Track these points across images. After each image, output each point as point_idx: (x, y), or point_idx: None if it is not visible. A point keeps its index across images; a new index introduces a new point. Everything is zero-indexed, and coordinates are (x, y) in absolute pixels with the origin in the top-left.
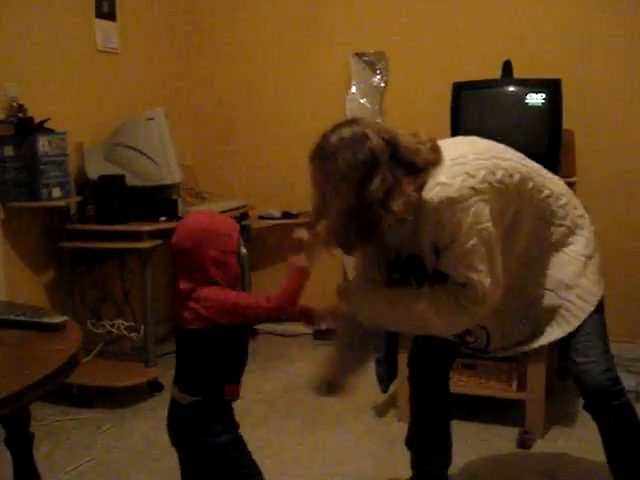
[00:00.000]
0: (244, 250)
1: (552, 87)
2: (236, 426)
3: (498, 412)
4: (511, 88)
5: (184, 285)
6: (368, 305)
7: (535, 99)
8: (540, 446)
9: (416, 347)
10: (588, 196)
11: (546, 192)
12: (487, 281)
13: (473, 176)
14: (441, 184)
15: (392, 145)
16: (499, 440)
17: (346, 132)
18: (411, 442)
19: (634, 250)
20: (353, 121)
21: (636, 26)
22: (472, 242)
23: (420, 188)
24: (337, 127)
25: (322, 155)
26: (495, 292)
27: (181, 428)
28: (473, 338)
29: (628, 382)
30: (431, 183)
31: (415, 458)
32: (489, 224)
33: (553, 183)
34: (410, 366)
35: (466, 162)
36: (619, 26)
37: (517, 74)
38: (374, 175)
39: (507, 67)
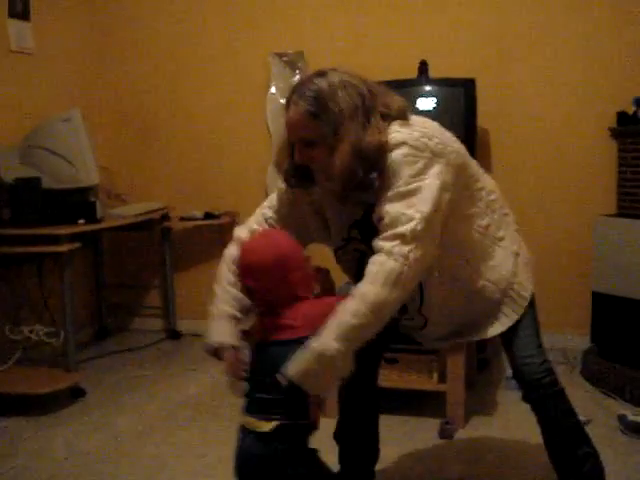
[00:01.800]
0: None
1: (467, 86)
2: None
3: (420, 404)
4: (427, 87)
5: (273, 303)
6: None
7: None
8: (462, 435)
9: None
10: (503, 192)
11: (480, 184)
12: (421, 222)
13: (430, 138)
14: (399, 132)
15: (372, 93)
16: (422, 432)
17: (334, 77)
18: (339, 436)
19: (553, 246)
20: (332, 69)
21: (551, 27)
22: (418, 184)
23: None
24: (320, 74)
25: (319, 99)
26: (429, 243)
27: (263, 461)
28: (410, 316)
29: None
30: (392, 129)
31: (343, 452)
32: (447, 185)
33: (486, 178)
34: None
35: (426, 127)
36: (534, 27)
37: (434, 74)
38: (368, 118)
39: (423, 67)
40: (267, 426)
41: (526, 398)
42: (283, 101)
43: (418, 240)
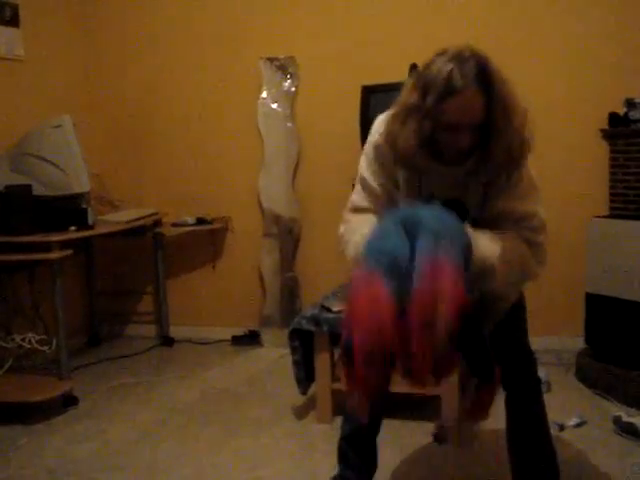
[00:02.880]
0: None
1: None
2: None
3: (414, 408)
4: None
5: None
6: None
7: None
8: (456, 439)
9: None
10: None
11: None
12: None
13: None
14: None
15: None
16: (417, 436)
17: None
18: (354, 441)
19: (551, 251)
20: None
21: (543, 29)
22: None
23: None
24: (472, 52)
25: (488, 79)
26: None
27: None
28: None
29: (538, 373)
30: None
31: (353, 457)
32: None
33: None
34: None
35: None
36: (525, 29)
37: None
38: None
39: (413, 70)
40: None
41: (516, 385)
42: (274, 106)
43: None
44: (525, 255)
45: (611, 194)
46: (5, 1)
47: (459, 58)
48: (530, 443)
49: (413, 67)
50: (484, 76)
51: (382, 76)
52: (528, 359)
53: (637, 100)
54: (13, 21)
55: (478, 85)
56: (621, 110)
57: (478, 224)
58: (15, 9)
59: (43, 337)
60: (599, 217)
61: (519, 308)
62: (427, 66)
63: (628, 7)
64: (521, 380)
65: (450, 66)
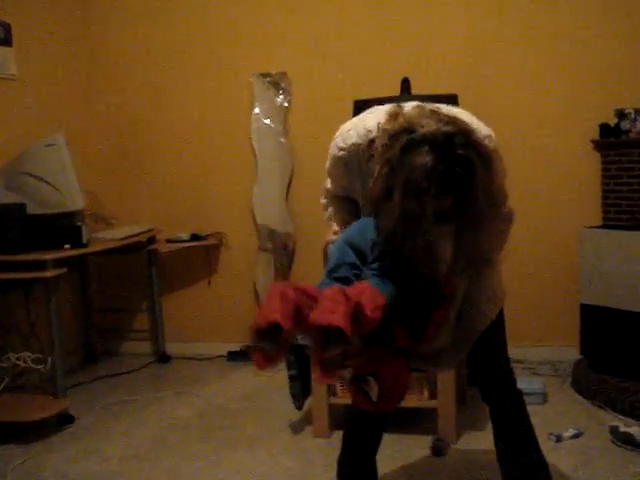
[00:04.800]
0: None
1: (449, 102)
2: None
3: (411, 421)
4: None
5: None
6: None
7: None
8: (454, 451)
9: None
10: None
11: None
12: None
13: None
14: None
15: None
16: (414, 449)
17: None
18: (351, 474)
19: (539, 260)
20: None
21: (534, 42)
22: None
23: None
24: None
25: (474, 176)
26: None
27: None
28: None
29: (535, 384)
30: None
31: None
32: None
33: None
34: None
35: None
36: (517, 42)
37: (416, 91)
38: None
39: (405, 84)
40: None
41: (502, 397)
42: (267, 121)
43: None
44: None
45: (603, 204)
46: None
47: (445, 155)
48: (518, 453)
49: (405, 81)
50: (473, 173)
51: (374, 91)
52: (508, 371)
53: (627, 110)
54: (6, 40)
55: (468, 184)
56: (612, 121)
57: None
58: (8, 28)
59: (38, 356)
60: (592, 227)
61: (499, 322)
62: (406, 152)
63: (616, 18)
64: (503, 392)
65: (440, 168)
